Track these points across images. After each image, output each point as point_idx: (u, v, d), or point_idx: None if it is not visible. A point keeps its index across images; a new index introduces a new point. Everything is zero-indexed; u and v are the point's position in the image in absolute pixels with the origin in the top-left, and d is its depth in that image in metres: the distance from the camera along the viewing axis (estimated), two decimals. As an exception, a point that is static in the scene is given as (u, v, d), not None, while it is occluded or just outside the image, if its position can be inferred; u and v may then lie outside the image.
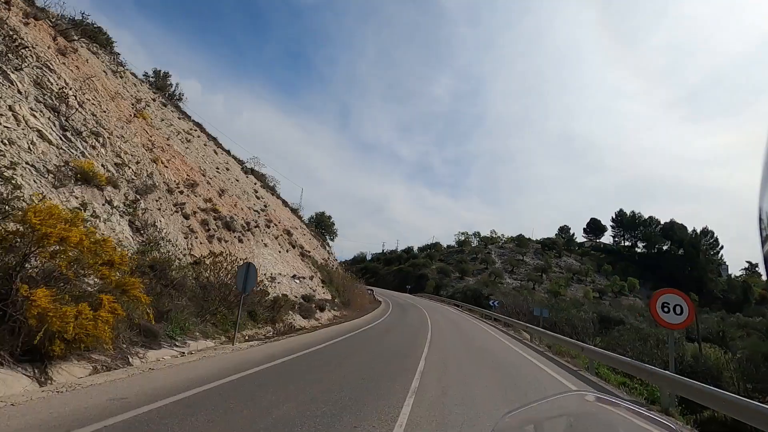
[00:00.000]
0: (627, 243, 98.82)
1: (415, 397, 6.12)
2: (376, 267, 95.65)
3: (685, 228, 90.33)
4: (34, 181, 8.51)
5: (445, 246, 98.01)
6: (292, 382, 6.42)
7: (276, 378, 6.67)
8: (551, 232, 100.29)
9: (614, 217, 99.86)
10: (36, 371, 5.69)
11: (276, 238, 23.14)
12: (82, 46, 15.79)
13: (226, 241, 15.81)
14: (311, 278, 24.03)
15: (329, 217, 56.81)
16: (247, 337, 11.91)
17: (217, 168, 22.14)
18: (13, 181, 7.58)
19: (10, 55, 10.17)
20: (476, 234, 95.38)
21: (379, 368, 8.58)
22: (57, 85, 11.71)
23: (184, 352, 8.67)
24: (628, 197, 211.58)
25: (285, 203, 35.07)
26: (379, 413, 5.23)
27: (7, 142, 8.46)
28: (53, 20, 14.80)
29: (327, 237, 51.50)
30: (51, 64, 12.03)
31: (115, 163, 12.04)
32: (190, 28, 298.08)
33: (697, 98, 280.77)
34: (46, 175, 8.98)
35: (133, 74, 21.22)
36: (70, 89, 12.13)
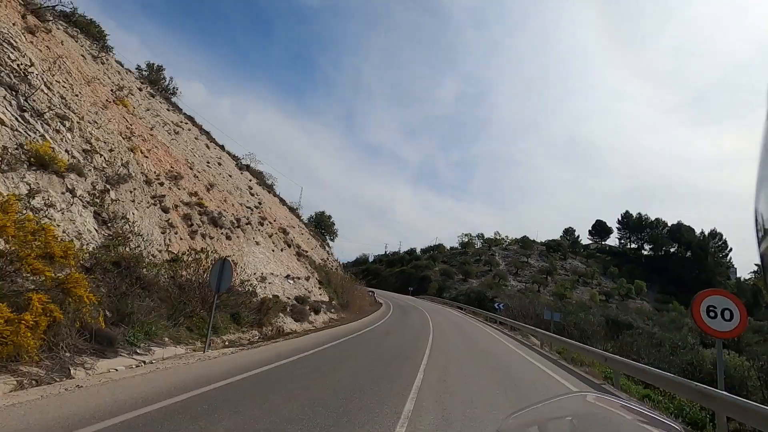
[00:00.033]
0: (633, 245, 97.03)
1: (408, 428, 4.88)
2: (378, 269, 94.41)
3: (693, 230, 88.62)
4: (-28, 162, 7.38)
5: (448, 248, 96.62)
6: (259, 402, 5.23)
7: (241, 395, 5.48)
8: (555, 235, 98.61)
9: (620, 218, 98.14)
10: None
11: (270, 236, 21.99)
12: (58, 28, 14.72)
13: (211, 238, 14.66)
14: (307, 279, 22.85)
15: (329, 217, 55.62)
16: (227, 343, 10.73)
17: (208, 162, 21.02)
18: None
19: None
20: (480, 236, 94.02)
21: (369, 381, 7.36)
22: (20, 63, 10.61)
23: (144, 361, 7.49)
24: (634, 200, 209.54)
25: (282, 201, 33.94)
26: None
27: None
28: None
29: (327, 237, 50.31)
30: (14, 40, 10.93)
31: (83, 150, 10.91)
32: (194, 30, 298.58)
33: (704, 101, 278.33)
34: (-10, 157, 7.85)
35: (119, 63, 20.16)
36: (36, 69, 11.02)
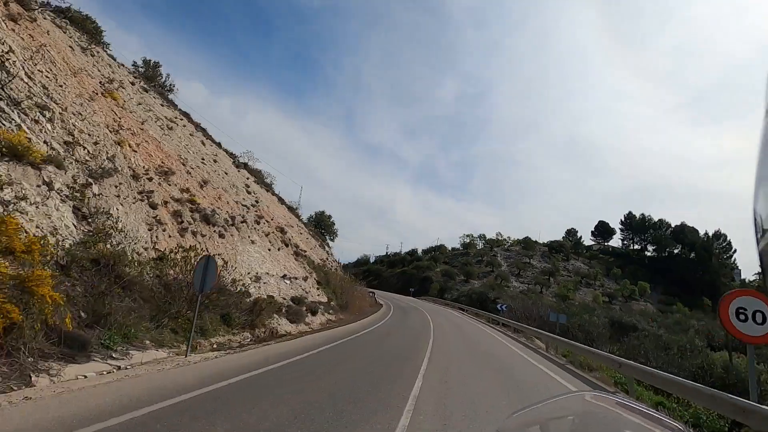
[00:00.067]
0: (636, 246, 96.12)
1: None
2: (379, 269, 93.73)
3: (697, 231, 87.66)
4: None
5: (449, 248, 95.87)
6: (234, 416, 4.64)
7: (216, 407, 4.88)
8: (556, 235, 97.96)
9: (623, 219, 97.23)
10: None
11: (267, 235, 21.41)
12: (45, 18, 14.18)
13: (203, 236, 14.08)
14: (305, 279, 22.26)
15: (329, 217, 54.89)
16: (215, 345, 10.14)
17: (203, 159, 20.44)
18: None
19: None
20: (481, 236, 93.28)
21: (364, 390, 6.76)
22: (-2, 50, 10.05)
23: (119, 366, 6.90)
24: (634, 200, 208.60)
25: (281, 200, 33.35)
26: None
27: None
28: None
29: (327, 237, 49.67)
30: (-8, 26, 10.39)
31: (64, 142, 10.34)
32: (194, 30, 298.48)
33: (704, 101, 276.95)
34: (-44, 146, 7.29)
35: (111, 57, 19.61)
36: (16, 56, 10.47)
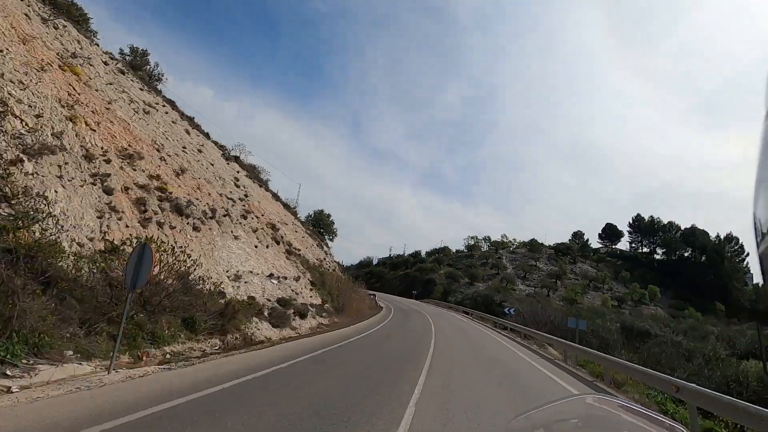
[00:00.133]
0: (645, 249, 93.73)
1: None
2: (382, 271, 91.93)
3: (708, 234, 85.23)
4: None
5: (453, 251, 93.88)
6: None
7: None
8: (562, 238, 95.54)
9: (632, 222, 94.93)
10: None
11: (254, 231, 19.70)
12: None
13: (172, 227, 12.37)
14: (296, 279, 20.52)
15: (328, 216, 52.99)
16: (168, 356, 8.39)
17: (184, 147, 18.77)
18: None
19: None
20: (486, 239, 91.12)
21: (349, 416, 4.99)
22: None
23: (9, 387, 5.18)
24: (642, 204, 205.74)
25: (276, 197, 31.68)
26: None
27: None
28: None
29: (326, 237, 47.89)
30: None
31: (-7, 110, 8.67)
32: (194, 30, 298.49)
33: (712, 104, 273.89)
34: None
35: (89, 38, 18.00)
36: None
